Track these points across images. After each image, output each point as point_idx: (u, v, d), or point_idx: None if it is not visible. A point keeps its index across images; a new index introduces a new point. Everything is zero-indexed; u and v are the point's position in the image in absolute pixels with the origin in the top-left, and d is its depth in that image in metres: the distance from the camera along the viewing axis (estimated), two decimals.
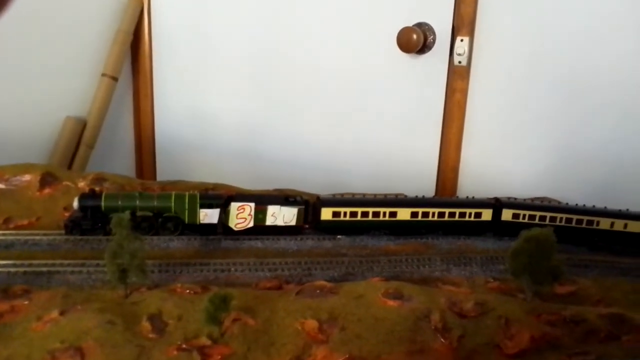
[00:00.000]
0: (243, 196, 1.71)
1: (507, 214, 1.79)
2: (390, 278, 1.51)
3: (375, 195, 1.85)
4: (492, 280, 1.57)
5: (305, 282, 1.44)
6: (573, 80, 2.17)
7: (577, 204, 1.85)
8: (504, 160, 2.35)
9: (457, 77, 2.32)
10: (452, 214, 1.78)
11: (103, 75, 2.64)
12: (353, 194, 1.89)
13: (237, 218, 1.66)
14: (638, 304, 1.56)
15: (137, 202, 1.62)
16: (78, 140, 2.53)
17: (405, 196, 1.89)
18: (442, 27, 2.29)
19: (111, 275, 1.25)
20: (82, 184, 1.72)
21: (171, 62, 2.82)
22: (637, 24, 2.02)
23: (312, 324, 1.24)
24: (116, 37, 2.67)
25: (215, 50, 2.71)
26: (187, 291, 1.29)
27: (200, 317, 1.16)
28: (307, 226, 1.74)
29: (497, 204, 1.81)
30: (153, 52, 2.82)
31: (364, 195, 1.86)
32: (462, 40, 2.26)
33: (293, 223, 1.70)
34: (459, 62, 2.29)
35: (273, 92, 2.66)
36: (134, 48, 2.80)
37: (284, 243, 1.66)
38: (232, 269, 1.46)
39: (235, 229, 1.67)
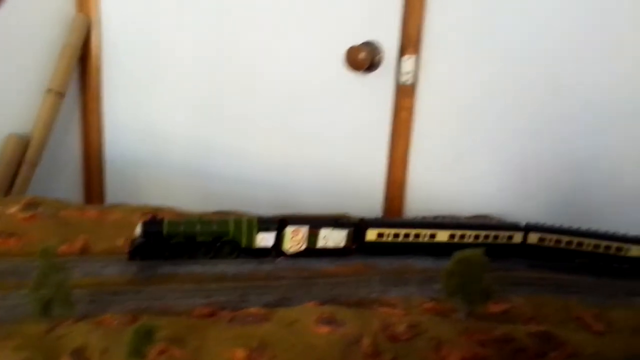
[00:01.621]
0: (297, 219, 1.75)
1: (533, 238, 1.86)
2: (327, 301, 1.51)
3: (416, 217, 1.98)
4: (428, 300, 1.58)
5: (240, 308, 1.43)
6: (520, 98, 2.23)
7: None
8: (452, 178, 2.40)
9: (404, 95, 2.36)
10: (486, 237, 1.85)
11: (49, 91, 2.59)
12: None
13: (291, 241, 1.71)
14: (568, 320, 1.60)
15: (198, 227, 1.67)
16: (21, 159, 2.47)
17: (348, 217, 1.94)
18: (389, 45, 2.32)
19: (34, 308, 1.22)
20: (13, 210, 1.68)
21: (121, 78, 2.78)
22: (588, 36, 2.10)
23: (241, 353, 1.23)
24: (63, 51, 2.62)
25: (165, 66, 2.69)
26: (116, 322, 1.27)
27: (124, 350, 1.14)
28: (354, 247, 1.79)
29: (526, 228, 1.88)
30: (102, 68, 2.78)
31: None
32: (408, 59, 2.30)
33: (342, 245, 1.76)
34: (406, 80, 2.32)
35: (222, 109, 2.65)
36: (82, 63, 2.75)
37: (223, 267, 1.65)
38: (167, 295, 1.45)
39: (289, 252, 1.72)
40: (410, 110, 2.37)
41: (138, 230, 1.65)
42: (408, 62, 2.29)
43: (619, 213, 2.17)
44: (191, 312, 1.42)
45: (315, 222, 1.74)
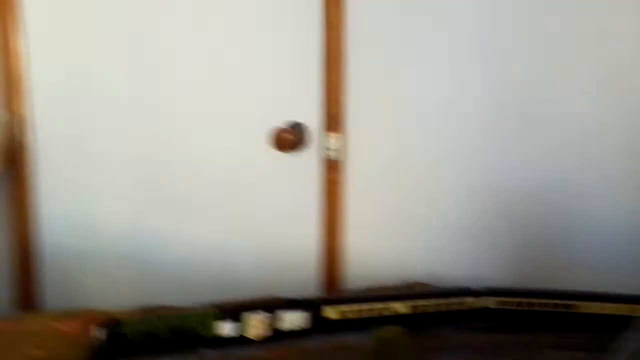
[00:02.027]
0: (254, 305, 1.76)
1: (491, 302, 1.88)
2: None
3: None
4: None
5: None
6: (440, 165, 2.32)
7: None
8: (384, 246, 2.44)
9: (332, 171, 2.42)
10: (448, 304, 1.87)
11: None
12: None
13: (253, 328, 1.72)
14: None
15: (159, 324, 1.67)
16: None
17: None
18: (314, 124, 2.40)
19: None
20: None
21: (54, 172, 2.76)
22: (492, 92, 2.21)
23: None
24: None
25: (95, 157, 2.68)
26: None
27: None
28: (314, 326, 1.78)
29: (487, 292, 1.91)
30: (33, 162, 2.76)
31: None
32: (333, 136, 2.38)
33: (303, 325, 1.77)
34: (332, 156, 2.39)
35: (157, 196, 2.65)
36: (12, 157, 2.72)
37: None
38: None
39: (254, 338, 1.72)
40: (339, 184, 2.43)
41: (97, 333, 1.64)
42: (332, 139, 2.36)
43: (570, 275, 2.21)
44: None
45: (272, 306, 1.76)
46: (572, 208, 2.22)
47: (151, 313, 1.75)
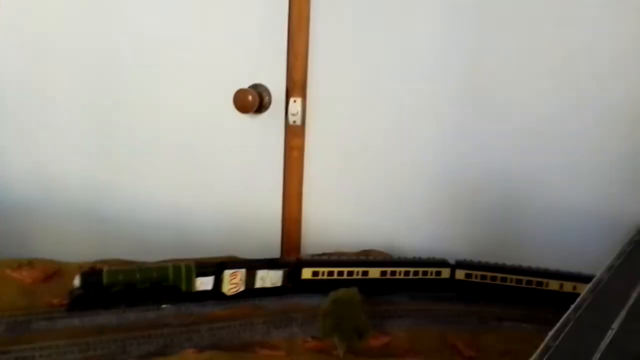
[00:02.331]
0: (234, 263, 1.85)
1: (460, 274, 1.98)
2: (209, 347, 1.52)
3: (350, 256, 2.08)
4: (310, 339, 1.63)
5: None
6: (399, 135, 2.37)
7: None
8: (343, 213, 2.48)
9: (293, 136, 2.43)
10: (415, 272, 1.96)
11: None
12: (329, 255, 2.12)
13: (230, 284, 1.78)
14: (443, 348, 1.71)
15: (137, 275, 1.70)
16: None
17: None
18: (277, 88, 2.40)
19: None
20: None
21: (7, 123, 2.67)
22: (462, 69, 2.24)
23: None
24: None
25: (52, 108, 2.60)
26: None
27: None
28: (290, 285, 1.87)
29: (454, 265, 1.99)
30: None
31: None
32: (295, 101, 2.38)
33: (279, 284, 1.85)
34: (294, 121, 2.40)
35: (114, 151, 2.60)
36: None
37: (104, 318, 1.61)
38: (37, 354, 1.40)
39: (228, 294, 1.78)
40: (300, 150, 2.44)
41: (76, 281, 1.65)
42: (295, 104, 2.37)
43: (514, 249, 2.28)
44: None
45: (252, 264, 1.85)
46: (530, 187, 2.28)
47: (131, 265, 1.79)
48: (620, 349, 1.20)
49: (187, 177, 2.56)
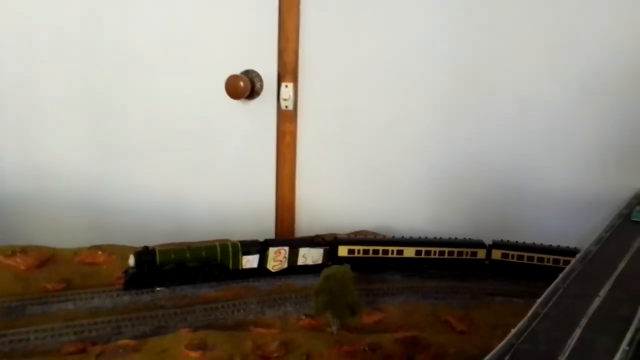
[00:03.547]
0: (277, 242, 1.92)
1: (496, 254, 1.98)
2: (203, 327, 1.54)
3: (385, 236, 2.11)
4: (304, 317, 1.65)
5: (113, 341, 1.43)
6: (390, 119, 2.37)
7: None
8: (336, 196, 2.49)
9: (286, 120, 2.44)
10: (451, 253, 1.97)
11: None
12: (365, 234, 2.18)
13: (274, 261, 1.85)
14: (436, 323, 1.73)
15: (187, 254, 1.77)
16: None
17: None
18: (269, 74, 2.41)
19: None
20: None
21: (2, 116, 2.68)
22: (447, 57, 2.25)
23: None
24: None
25: (45, 100, 2.61)
26: None
27: None
28: (330, 263, 1.90)
29: (490, 245, 1.99)
30: None
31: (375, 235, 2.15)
32: (287, 86, 2.39)
33: (320, 262, 1.91)
34: (286, 106, 2.41)
35: (108, 141, 2.61)
36: None
37: (98, 302, 1.63)
38: (32, 337, 1.41)
39: (273, 270, 1.85)
40: (293, 134, 2.45)
41: (131, 261, 1.71)
42: (287, 89, 2.38)
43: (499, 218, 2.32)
44: (59, 350, 1.39)
45: (295, 243, 1.92)
46: (520, 170, 2.30)
47: (182, 245, 1.87)
48: (606, 314, 1.22)
49: (181, 164, 2.57)
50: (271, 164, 2.50)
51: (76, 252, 1.81)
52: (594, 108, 2.18)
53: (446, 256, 1.98)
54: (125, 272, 1.73)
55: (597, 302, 1.29)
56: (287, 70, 2.39)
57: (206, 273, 1.78)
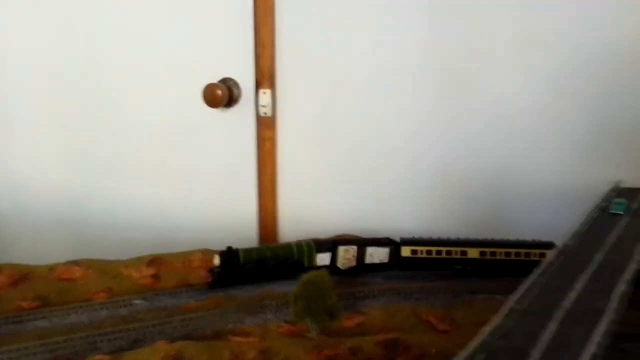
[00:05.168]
0: (346, 240, 2.01)
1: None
2: (181, 338, 1.52)
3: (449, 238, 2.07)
4: (284, 324, 1.63)
5: (89, 357, 1.40)
6: (372, 122, 2.37)
7: None
8: (318, 201, 2.48)
9: (265, 127, 2.43)
10: (517, 254, 1.94)
11: None
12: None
13: (343, 259, 1.93)
14: (417, 324, 1.71)
15: (267, 253, 1.89)
16: None
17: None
18: (246, 81, 2.40)
19: None
20: None
21: None
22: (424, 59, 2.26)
23: None
24: None
25: (21, 115, 2.59)
26: None
27: None
28: (396, 262, 1.98)
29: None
30: None
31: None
32: (264, 93, 2.38)
33: (386, 260, 1.98)
34: (264, 113, 2.40)
35: (84, 154, 2.59)
36: None
37: (75, 317, 1.61)
38: (5, 357, 1.38)
39: (343, 268, 1.93)
40: (273, 141, 2.45)
41: (216, 260, 1.81)
42: (265, 96, 2.37)
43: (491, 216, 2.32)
44: None
45: (362, 242, 1.99)
46: (506, 168, 2.31)
47: (262, 246, 1.96)
48: (581, 307, 1.21)
49: (160, 175, 2.55)
50: (252, 172, 2.49)
51: (52, 268, 1.79)
52: (571, 106, 2.19)
53: (512, 257, 1.95)
54: (211, 271, 1.83)
55: (572, 295, 1.28)
56: (265, 76, 2.38)
57: (285, 271, 1.88)
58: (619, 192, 2.00)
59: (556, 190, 2.29)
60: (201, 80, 2.35)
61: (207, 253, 1.97)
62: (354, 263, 1.95)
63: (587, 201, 1.98)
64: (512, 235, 2.04)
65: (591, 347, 1.03)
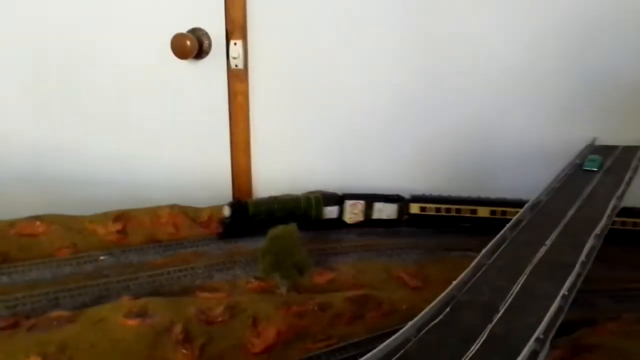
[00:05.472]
0: (354, 195, 1.97)
1: None
2: (147, 294, 1.48)
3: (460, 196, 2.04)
4: (253, 280, 1.61)
5: (49, 314, 1.36)
6: (346, 76, 2.30)
7: None
8: (293, 158, 2.43)
9: (236, 80, 2.35)
10: None
11: None
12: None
13: (350, 213, 1.93)
14: (389, 280, 1.70)
15: (275, 205, 1.88)
16: None
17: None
18: (217, 31, 2.30)
19: None
20: None
21: None
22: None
23: None
24: None
25: None
26: None
27: None
28: (405, 218, 1.98)
29: None
30: None
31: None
32: (235, 44, 2.29)
33: (394, 217, 1.96)
34: (236, 65, 2.32)
35: (55, 109, 2.48)
36: None
37: (36, 274, 1.56)
38: None
39: (349, 222, 1.93)
40: (245, 94, 2.37)
41: (226, 211, 1.82)
42: (236, 47, 2.28)
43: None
44: None
45: (369, 197, 1.97)
46: (487, 130, 2.27)
47: (271, 198, 1.94)
48: (551, 261, 1.20)
49: (131, 129, 2.46)
50: (224, 127, 2.42)
51: (12, 223, 1.73)
52: (548, 67, 2.15)
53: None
54: (221, 222, 1.84)
55: (543, 250, 1.27)
56: (235, 26, 2.29)
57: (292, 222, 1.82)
58: (594, 149, 2.00)
59: (535, 149, 2.27)
60: (170, 32, 2.24)
61: (175, 208, 1.91)
62: (361, 218, 1.96)
63: (565, 159, 1.98)
64: (490, 193, 2.04)
65: (557, 301, 1.02)
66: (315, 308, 1.46)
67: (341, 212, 1.94)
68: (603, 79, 2.14)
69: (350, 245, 1.83)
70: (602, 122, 2.17)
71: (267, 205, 1.89)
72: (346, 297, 1.51)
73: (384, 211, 1.97)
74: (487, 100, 2.22)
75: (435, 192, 2.06)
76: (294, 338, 1.39)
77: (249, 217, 1.84)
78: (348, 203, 1.94)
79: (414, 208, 1.96)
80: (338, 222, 1.92)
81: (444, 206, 1.95)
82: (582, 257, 1.17)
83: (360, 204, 1.95)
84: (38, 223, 1.73)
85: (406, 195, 2.06)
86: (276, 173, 2.44)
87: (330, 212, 1.93)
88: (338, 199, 1.94)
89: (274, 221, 1.80)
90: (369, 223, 1.95)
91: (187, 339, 1.30)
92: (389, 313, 1.51)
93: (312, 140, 2.40)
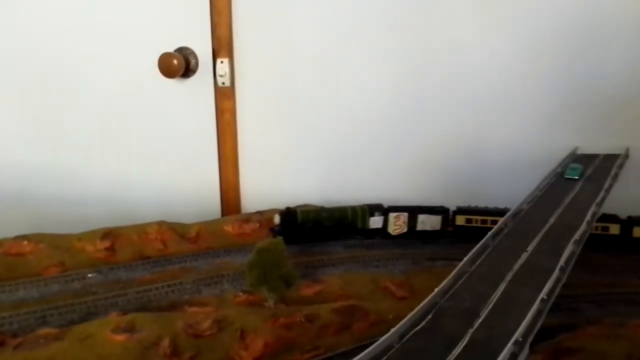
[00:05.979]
0: (398, 207, 2.01)
1: (637, 232, 1.85)
2: (136, 310, 1.49)
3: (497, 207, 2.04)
4: (241, 293, 1.62)
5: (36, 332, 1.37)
6: (332, 92, 2.33)
7: None
8: (280, 173, 2.45)
9: (224, 98, 2.38)
10: None
11: None
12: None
13: (394, 225, 1.97)
14: (375, 291, 1.71)
15: (323, 214, 1.95)
16: None
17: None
18: (203, 50, 2.33)
19: None
20: None
21: None
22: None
23: None
24: None
25: None
26: None
27: None
28: (450, 229, 2.00)
29: (625, 221, 1.87)
30: None
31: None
32: (222, 62, 2.33)
33: (438, 228, 2.00)
34: (223, 82, 2.35)
35: (46, 129, 2.51)
36: None
37: (23, 293, 1.56)
38: None
39: (393, 233, 1.97)
40: (232, 112, 2.40)
41: (277, 219, 1.90)
42: (222, 65, 2.31)
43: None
44: None
45: (413, 209, 2.01)
46: (473, 139, 2.30)
47: (319, 208, 2.01)
48: (531, 267, 1.23)
49: (120, 148, 2.48)
50: (212, 143, 2.44)
51: (0, 243, 1.73)
52: (534, 77, 2.19)
53: None
54: (272, 230, 1.91)
55: (524, 256, 1.29)
56: (222, 45, 2.32)
57: (339, 231, 1.96)
58: (576, 158, 2.04)
59: (524, 158, 2.30)
60: (157, 51, 2.28)
61: (163, 225, 1.93)
62: (405, 229, 1.99)
63: (548, 167, 2.01)
64: (480, 202, 2.06)
65: (536, 305, 1.04)
66: (303, 319, 1.47)
67: (385, 222, 1.98)
68: (587, 91, 2.18)
69: (337, 257, 1.84)
70: (585, 131, 2.20)
71: (315, 214, 1.96)
72: (333, 308, 1.52)
73: (428, 223, 2.00)
74: (476, 112, 2.26)
75: (425, 203, 2.08)
76: (282, 350, 1.40)
77: (298, 225, 1.90)
78: (391, 215, 1.98)
79: (460, 220, 1.97)
80: (383, 233, 1.97)
81: (489, 218, 1.94)
82: (562, 262, 1.20)
83: (404, 215, 1.99)
84: (25, 242, 1.74)
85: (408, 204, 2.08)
86: (264, 188, 2.47)
87: (375, 222, 1.98)
88: (383, 211, 1.98)
89: (321, 229, 1.95)
90: (412, 235, 1.99)
91: (174, 352, 1.30)
92: (375, 323, 1.52)
93: (300, 155, 2.43)
